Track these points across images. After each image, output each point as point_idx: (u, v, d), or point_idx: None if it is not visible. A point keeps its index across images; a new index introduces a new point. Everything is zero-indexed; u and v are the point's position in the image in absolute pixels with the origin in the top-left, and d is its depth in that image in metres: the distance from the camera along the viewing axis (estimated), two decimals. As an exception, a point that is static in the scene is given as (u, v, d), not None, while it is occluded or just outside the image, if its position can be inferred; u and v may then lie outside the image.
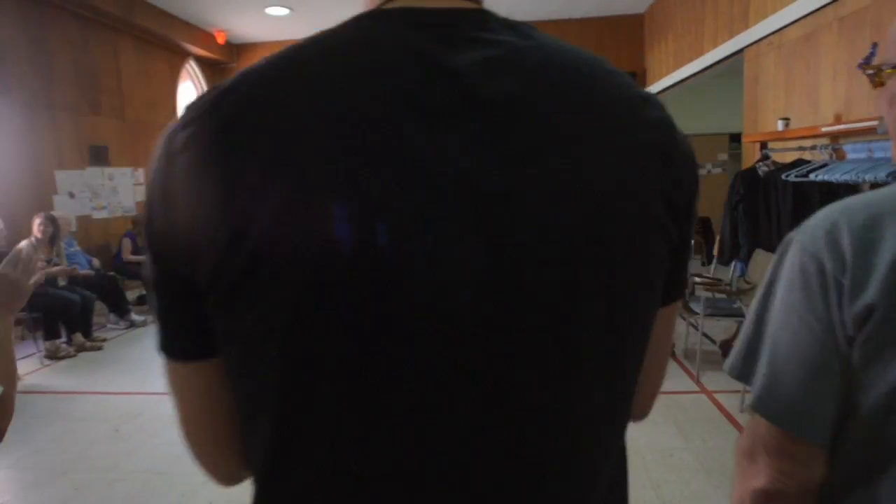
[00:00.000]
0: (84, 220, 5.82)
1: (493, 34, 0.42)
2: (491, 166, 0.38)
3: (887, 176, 2.51)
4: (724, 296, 3.84)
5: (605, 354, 0.42)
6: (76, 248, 5.19)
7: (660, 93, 6.91)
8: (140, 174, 6.58)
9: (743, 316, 3.51)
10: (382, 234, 0.36)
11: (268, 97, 0.38)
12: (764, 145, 3.91)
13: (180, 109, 0.43)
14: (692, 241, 0.50)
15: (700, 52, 5.53)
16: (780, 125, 3.75)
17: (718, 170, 8.91)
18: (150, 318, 4.77)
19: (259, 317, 0.37)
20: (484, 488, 0.41)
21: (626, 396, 0.47)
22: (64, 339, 4.59)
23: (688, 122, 8.86)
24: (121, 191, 6.36)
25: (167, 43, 7.01)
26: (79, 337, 4.65)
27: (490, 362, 0.39)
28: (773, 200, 3.46)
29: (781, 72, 4.06)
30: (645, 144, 0.42)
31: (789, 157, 3.58)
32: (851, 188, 2.95)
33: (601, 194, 0.40)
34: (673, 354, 3.99)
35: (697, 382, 3.53)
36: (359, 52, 0.40)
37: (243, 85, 0.40)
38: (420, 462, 0.40)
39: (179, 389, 0.46)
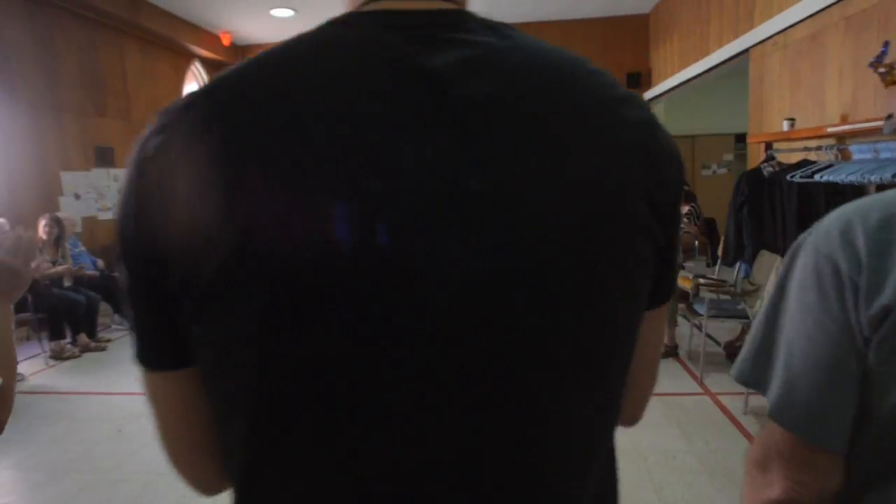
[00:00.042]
0: (89, 222, 5.85)
1: (472, 35, 0.42)
2: (470, 168, 0.37)
3: (893, 177, 2.49)
4: (728, 297, 3.81)
5: (588, 356, 0.41)
6: (81, 248, 5.22)
7: (665, 93, 6.89)
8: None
9: (747, 317, 3.49)
10: (348, 236, 0.36)
11: (239, 103, 0.38)
12: (769, 146, 3.88)
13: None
14: (679, 244, 0.50)
15: (705, 53, 5.50)
16: (785, 125, 3.73)
17: (724, 170, 8.87)
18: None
19: (235, 322, 0.37)
20: (484, 490, 0.40)
21: (612, 398, 0.46)
22: (69, 339, 4.62)
23: (693, 122, 8.83)
24: (126, 192, 6.38)
25: (172, 45, 7.04)
26: (83, 337, 4.68)
27: (467, 366, 0.38)
28: (778, 201, 3.44)
29: (787, 72, 4.03)
30: (627, 144, 0.42)
31: (795, 158, 3.56)
32: (857, 189, 2.92)
33: (582, 195, 0.39)
34: (676, 356, 3.97)
35: (701, 384, 3.51)
36: (332, 56, 0.40)
37: (214, 91, 0.39)
38: (416, 464, 0.39)
39: (156, 399, 0.46)
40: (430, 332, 0.37)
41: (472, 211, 0.37)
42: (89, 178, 5.88)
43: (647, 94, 7.40)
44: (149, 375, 0.45)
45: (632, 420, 0.56)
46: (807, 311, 0.56)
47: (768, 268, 3.36)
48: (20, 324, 4.69)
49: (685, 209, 5.94)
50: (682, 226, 5.89)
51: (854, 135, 3.09)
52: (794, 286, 0.59)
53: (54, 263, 4.65)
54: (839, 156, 3.14)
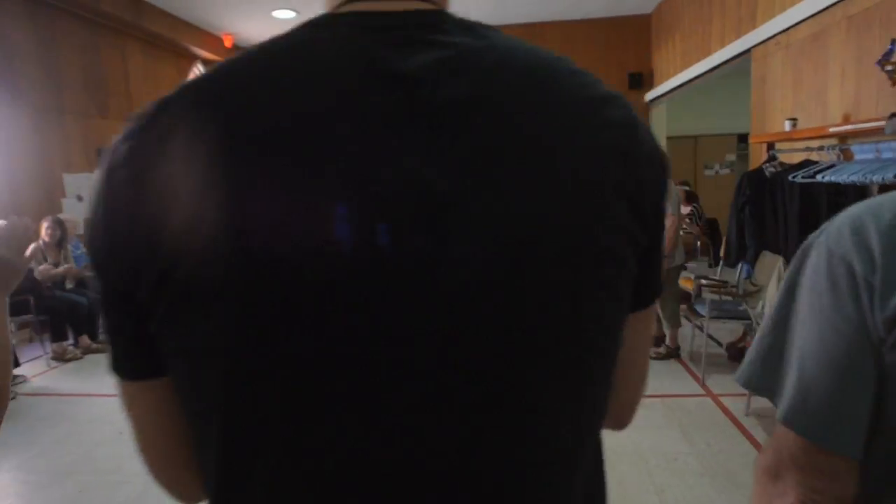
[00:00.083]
0: (92, 223, 5.86)
1: (448, 36, 0.41)
2: (442, 171, 0.37)
3: (895, 176, 2.48)
4: (730, 298, 3.80)
5: (568, 356, 0.41)
6: (83, 250, 5.24)
7: (667, 93, 6.87)
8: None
9: (749, 318, 3.48)
10: (315, 240, 0.36)
11: (208, 108, 0.38)
12: (771, 146, 3.87)
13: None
14: (664, 245, 0.49)
15: (707, 53, 5.49)
16: (787, 125, 3.71)
17: (726, 170, 8.85)
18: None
19: (205, 330, 0.37)
20: (475, 488, 0.40)
21: (595, 399, 0.45)
22: (71, 341, 4.63)
23: (695, 122, 8.82)
24: (129, 193, 6.39)
25: (175, 46, 7.06)
26: (85, 339, 4.69)
27: (448, 369, 0.38)
28: (780, 202, 3.42)
29: (789, 72, 4.02)
30: (606, 145, 0.41)
31: (797, 158, 3.54)
32: (859, 189, 2.91)
33: (559, 196, 0.39)
34: (678, 357, 3.96)
35: (703, 385, 3.50)
36: (304, 59, 0.40)
37: (184, 96, 0.39)
38: (408, 465, 0.39)
39: (132, 409, 0.46)
40: (411, 335, 0.37)
41: (444, 214, 0.37)
42: (92, 180, 5.76)
43: (649, 95, 7.39)
44: (124, 385, 0.44)
45: (621, 423, 0.56)
46: (820, 313, 0.55)
47: (770, 268, 3.35)
48: (22, 326, 4.70)
49: (687, 210, 5.94)
50: (684, 226, 5.89)
51: (856, 135, 3.08)
52: (804, 288, 0.57)
53: (56, 265, 4.67)
54: (841, 156, 3.12)
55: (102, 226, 0.39)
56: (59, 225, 4.69)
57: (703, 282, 3.82)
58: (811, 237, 0.59)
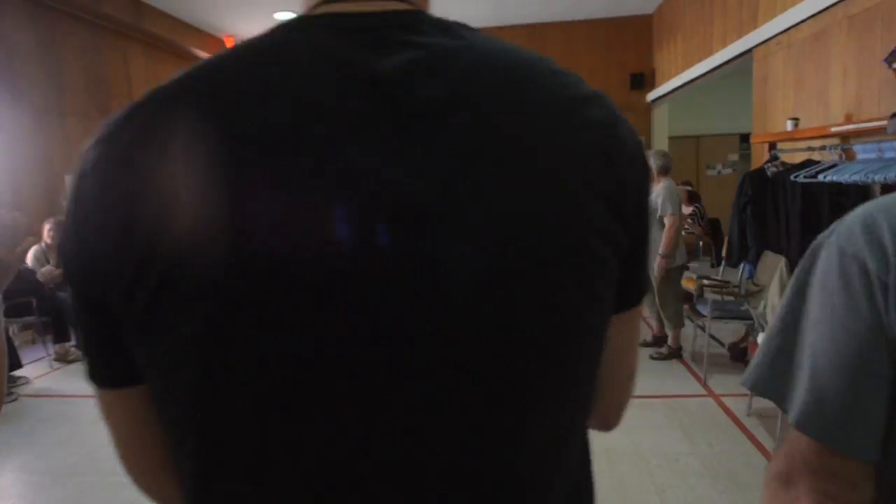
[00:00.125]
0: (94, 225, 5.87)
1: (424, 37, 0.41)
2: (418, 174, 0.37)
3: (897, 176, 2.47)
4: (732, 298, 3.79)
5: (548, 359, 0.40)
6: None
7: (669, 93, 6.86)
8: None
9: (751, 319, 3.47)
10: (290, 249, 0.35)
11: (177, 113, 0.38)
12: (773, 146, 3.86)
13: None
14: (648, 246, 0.48)
15: (709, 53, 5.48)
16: (789, 125, 3.71)
17: (729, 170, 8.84)
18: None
19: (177, 337, 0.37)
20: (461, 486, 0.40)
21: (579, 401, 0.45)
22: (73, 342, 4.64)
23: (697, 122, 8.81)
24: (131, 195, 6.41)
25: (177, 48, 7.08)
26: (88, 340, 4.69)
27: (422, 380, 0.38)
28: (782, 202, 3.42)
29: (791, 71, 4.01)
30: (585, 145, 0.41)
31: (799, 158, 3.54)
32: (861, 189, 2.90)
33: (535, 197, 0.38)
34: (680, 357, 3.95)
35: (705, 386, 3.49)
36: (276, 63, 0.39)
37: (154, 101, 0.39)
38: (401, 466, 0.39)
39: (109, 416, 0.46)
40: (385, 338, 0.37)
41: (419, 217, 0.36)
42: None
43: (651, 95, 7.38)
44: (101, 393, 0.44)
45: (608, 424, 0.55)
46: (832, 313, 0.53)
47: (772, 269, 3.34)
48: (25, 327, 4.71)
49: (689, 210, 5.93)
50: (687, 226, 5.88)
51: (858, 134, 3.07)
52: (815, 288, 0.56)
53: (59, 267, 4.68)
54: (843, 156, 3.12)
55: (72, 233, 0.39)
56: (61, 226, 4.69)
57: (705, 282, 3.82)
58: (820, 237, 0.58)
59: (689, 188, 6.28)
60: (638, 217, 0.44)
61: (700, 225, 5.91)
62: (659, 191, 3.84)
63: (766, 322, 3.23)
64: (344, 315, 0.36)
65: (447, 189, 0.37)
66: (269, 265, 0.35)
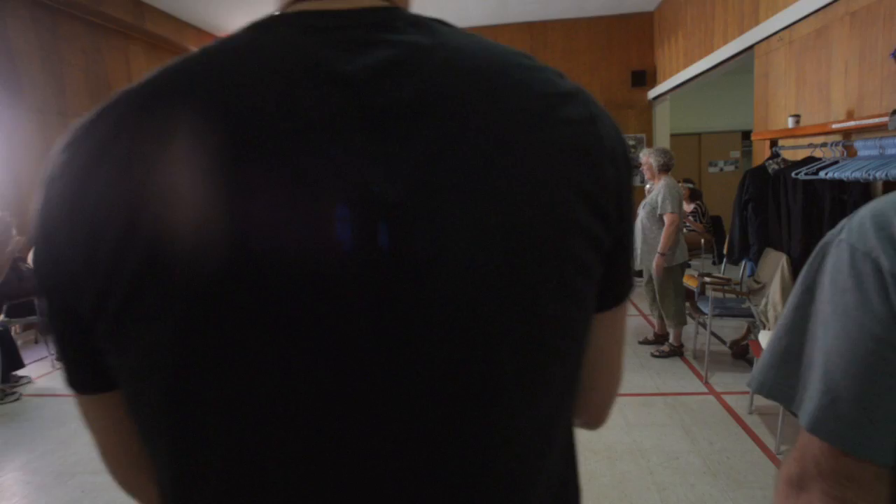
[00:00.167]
0: (97, 224, 5.89)
1: (397, 34, 0.40)
2: (389, 176, 0.36)
3: (898, 173, 2.45)
4: (733, 296, 3.78)
5: (525, 362, 0.40)
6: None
7: (671, 91, 6.84)
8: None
9: (752, 316, 3.46)
10: (264, 253, 0.35)
11: (146, 115, 0.37)
12: (774, 143, 3.85)
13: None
14: (631, 244, 0.48)
15: (710, 49, 5.46)
16: (790, 122, 3.69)
17: (731, 167, 8.81)
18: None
19: (148, 344, 0.36)
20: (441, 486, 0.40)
21: (561, 401, 0.44)
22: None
23: (699, 119, 8.78)
24: (133, 195, 6.42)
25: (178, 49, 7.08)
26: (91, 340, 4.70)
27: (394, 382, 0.37)
28: (783, 199, 3.40)
29: (792, 68, 3.99)
30: (562, 142, 0.40)
31: (800, 155, 3.52)
32: (862, 186, 2.89)
33: (512, 198, 0.38)
34: (682, 355, 3.94)
35: (706, 383, 3.48)
36: (245, 63, 0.39)
37: (121, 104, 0.39)
38: (376, 469, 0.38)
39: (89, 420, 0.46)
40: (353, 343, 0.36)
41: (393, 220, 0.36)
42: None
43: (652, 92, 7.36)
44: (79, 398, 0.44)
45: (595, 423, 0.55)
46: (844, 312, 0.52)
47: (773, 266, 3.33)
48: (27, 327, 4.73)
49: (690, 207, 5.91)
50: (688, 224, 5.85)
51: (860, 131, 3.06)
52: (825, 287, 0.54)
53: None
54: (845, 152, 3.10)
55: (41, 239, 0.39)
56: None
57: (707, 279, 3.80)
58: (829, 235, 0.56)
59: (691, 185, 6.26)
60: (620, 215, 0.44)
61: (701, 222, 5.89)
62: (659, 189, 3.83)
63: (768, 319, 3.22)
64: (318, 317, 0.36)
65: (420, 190, 0.36)
66: (242, 270, 0.35)
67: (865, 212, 0.54)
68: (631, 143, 7.65)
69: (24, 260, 4.12)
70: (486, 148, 0.38)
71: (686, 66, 6.19)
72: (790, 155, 3.65)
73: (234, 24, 7.13)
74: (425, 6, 6.70)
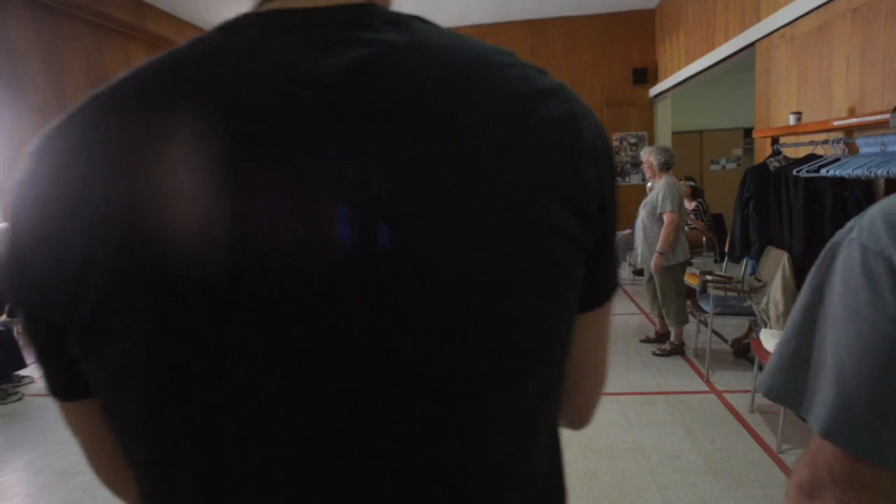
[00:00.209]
0: (98, 224, 5.90)
1: (372, 32, 0.39)
2: (358, 180, 0.35)
3: (900, 170, 2.44)
4: (734, 294, 3.77)
5: (506, 364, 0.39)
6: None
7: (672, 88, 6.82)
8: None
9: (754, 314, 3.45)
10: (237, 260, 0.34)
11: (112, 120, 0.37)
12: (776, 140, 3.83)
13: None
14: (614, 245, 0.47)
15: (712, 47, 5.45)
16: (791, 119, 3.68)
17: (733, 165, 8.79)
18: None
19: (120, 351, 0.36)
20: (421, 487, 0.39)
21: (542, 404, 0.44)
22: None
23: (701, 117, 8.76)
24: (134, 194, 6.44)
25: (179, 47, 7.09)
26: (92, 339, 4.71)
27: (371, 384, 0.37)
28: (785, 197, 3.39)
29: (794, 65, 3.98)
30: (541, 141, 0.39)
31: (802, 152, 3.51)
32: (864, 183, 2.88)
33: (487, 199, 0.37)
34: (683, 354, 3.94)
35: (707, 382, 3.47)
36: (214, 63, 0.38)
37: (88, 109, 0.38)
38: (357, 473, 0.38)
39: (72, 426, 0.46)
40: (323, 343, 0.36)
41: (364, 222, 0.35)
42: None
43: (654, 90, 7.34)
44: (60, 405, 0.44)
45: (580, 423, 0.54)
46: (857, 313, 0.50)
47: (775, 264, 3.32)
48: (30, 326, 4.73)
49: (692, 205, 5.89)
50: (689, 222, 5.83)
51: (861, 128, 3.04)
52: (835, 288, 0.53)
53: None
54: (846, 150, 3.09)
55: (11, 246, 0.39)
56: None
57: (708, 278, 3.80)
58: (838, 234, 0.55)
59: (693, 183, 6.24)
60: (602, 215, 0.43)
61: (702, 220, 5.88)
62: (660, 188, 3.82)
63: (769, 318, 3.21)
64: (318, 318, 0.35)
65: (394, 193, 0.35)
66: (215, 274, 0.34)
67: (876, 210, 0.52)
68: (632, 140, 7.64)
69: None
70: (460, 149, 0.37)
71: (687, 63, 6.17)
72: (791, 152, 3.64)
73: (235, 24, 7.13)
74: (426, 5, 6.64)
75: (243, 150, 0.35)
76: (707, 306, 3.57)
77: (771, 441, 2.70)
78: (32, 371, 4.22)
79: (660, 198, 3.78)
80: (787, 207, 3.37)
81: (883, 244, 0.50)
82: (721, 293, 3.71)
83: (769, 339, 2.77)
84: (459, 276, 0.36)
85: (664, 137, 7.47)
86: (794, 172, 3.19)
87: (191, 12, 6.66)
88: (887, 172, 2.48)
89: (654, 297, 4.03)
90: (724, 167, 8.88)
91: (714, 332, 3.79)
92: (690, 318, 4.03)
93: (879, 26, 3.04)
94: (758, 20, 4.44)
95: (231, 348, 0.35)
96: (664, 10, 7.11)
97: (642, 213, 3.94)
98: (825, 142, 3.22)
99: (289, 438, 0.37)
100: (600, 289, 0.47)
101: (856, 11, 3.25)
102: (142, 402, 0.37)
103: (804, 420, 0.54)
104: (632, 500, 2.32)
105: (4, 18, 4.94)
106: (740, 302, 3.68)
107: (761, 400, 3.08)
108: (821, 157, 3.19)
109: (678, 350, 3.96)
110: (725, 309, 3.61)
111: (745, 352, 3.87)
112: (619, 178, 7.71)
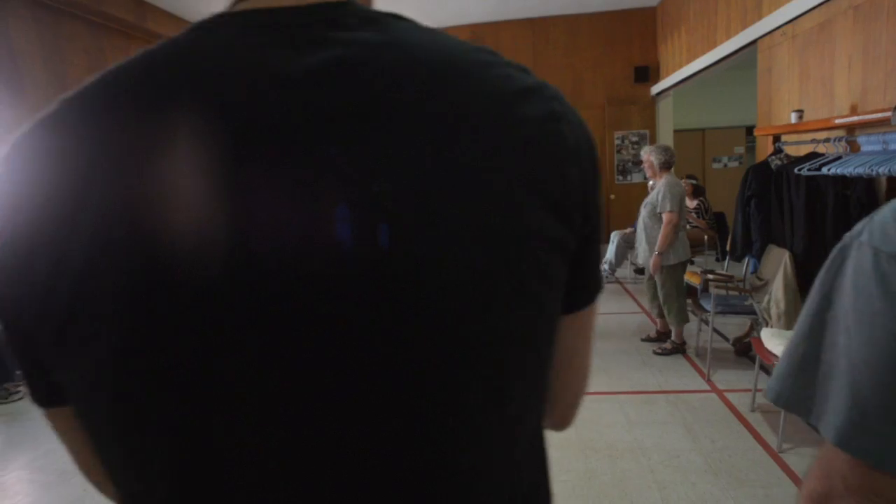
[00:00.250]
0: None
1: (348, 32, 0.38)
2: (329, 185, 0.35)
3: (901, 168, 2.43)
4: (736, 293, 3.76)
5: (488, 367, 0.39)
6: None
7: (673, 86, 6.80)
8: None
9: (755, 313, 3.44)
10: (237, 260, 0.34)
11: (82, 125, 0.36)
12: (777, 138, 3.82)
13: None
14: (598, 246, 0.46)
15: (713, 45, 5.43)
16: (793, 117, 3.66)
17: (735, 163, 8.77)
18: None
19: (91, 359, 0.36)
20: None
21: (528, 405, 0.43)
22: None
23: (703, 115, 8.74)
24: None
25: (180, 47, 7.10)
26: (94, 338, 4.73)
27: (370, 384, 0.36)
28: (786, 195, 3.38)
29: (795, 63, 3.96)
30: (521, 142, 0.38)
31: (803, 151, 3.50)
32: (866, 181, 2.87)
33: (465, 203, 0.36)
34: (684, 353, 3.93)
35: (708, 381, 3.46)
36: (186, 64, 0.37)
37: (57, 114, 0.38)
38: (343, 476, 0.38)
39: (57, 431, 0.45)
40: (313, 343, 0.35)
41: (362, 225, 0.35)
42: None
43: (655, 88, 7.32)
44: (44, 410, 0.44)
45: (563, 424, 0.54)
46: (870, 318, 0.49)
47: (776, 262, 3.31)
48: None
49: (693, 203, 5.88)
50: (691, 220, 5.81)
51: (863, 126, 3.03)
52: (845, 292, 0.52)
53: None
54: (848, 148, 3.08)
55: None
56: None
57: (709, 276, 3.78)
58: (847, 237, 0.54)
59: (694, 182, 6.22)
60: (585, 217, 0.42)
61: (703, 219, 5.86)
62: (660, 187, 3.81)
63: (770, 317, 3.21)
64: (318, 318, 0.35)
65: (394, 193, 0.35)
66: (184, 279, 0.34)
67: (887, 212, 0.51)
68: (634, 139, 7.62)
69: None
70: (436, 151, 0.36)
71: (689, 61, 6.16)
72: (793, 150, 3.63)
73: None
74: (426, 4, 6.61)
75: (241, 151, 0.35)
76: (708, 305, 3.56)
77: (772, 440, 2.70)
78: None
79: (659, 197, 3.77)
80: (789, 206, 3.36)
81: (895, 246, 0.48)
82: (722, 292, 3.70)
83: (770, 338, 2.76)
84: (459, 276, 0.36)
85: (666, 136, 7.45)
86: (796, 171, 3.18)
87: (192, 12, 6.66)
88: (889, 170, 2.47)
89: (654, 296, 4.02)
90: (725, 165, 8.86)
91: (715, 330, 3.78)
92: (691, 316, 4.02)
93: (881, 24, 3.03)
94: (759, 18, 4.42)
95: (230, 348, 0.35)
96: (666, 8, 7.09)
97: (643, 213, 3.93)
98: (827, 140, 3.21)
99: (283, 438, 0.37)
100: (584, 291, 0.47)
101: (857, 9, 3.23)
102: (124, 409, 0.36)
103: (815, 429, 0.53)
104: (632, 499, 2.31)
105: (5, 18, 4.95)
106: (742, 301, 3.67)
107: (762, 399, 3.07)
108: (822, 155, 3.18)
109: (679, 349, 3.95)
110: (727, 308, 3.60)
111: (746, 351, 3.86)
112: (621, 177, 7.70)
